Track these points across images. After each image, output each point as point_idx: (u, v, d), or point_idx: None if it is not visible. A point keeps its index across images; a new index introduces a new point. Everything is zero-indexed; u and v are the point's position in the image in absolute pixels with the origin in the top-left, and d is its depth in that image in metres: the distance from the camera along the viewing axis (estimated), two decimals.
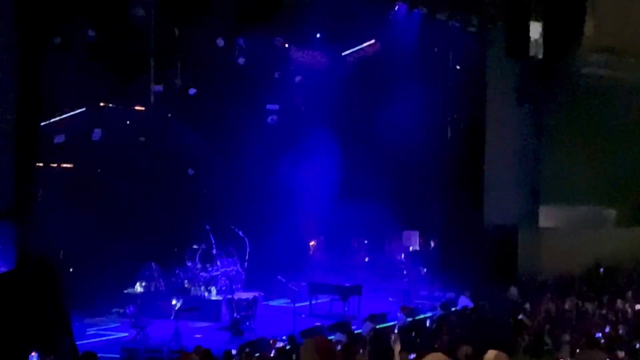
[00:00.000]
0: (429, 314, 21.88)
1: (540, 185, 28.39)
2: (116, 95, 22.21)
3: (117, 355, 17.06)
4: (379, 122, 26.52)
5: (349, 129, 26.86)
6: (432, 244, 27.96)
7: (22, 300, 15.50)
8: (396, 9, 26.10)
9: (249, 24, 23.40)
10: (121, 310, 21.20)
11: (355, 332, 18.18)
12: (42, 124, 18.76)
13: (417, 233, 27.42)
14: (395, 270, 27.12)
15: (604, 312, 19.81)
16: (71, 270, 20.60)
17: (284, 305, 23.29)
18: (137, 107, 23.35)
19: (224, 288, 22.58)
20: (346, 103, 27.17)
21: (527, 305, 19.89)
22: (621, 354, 11.45)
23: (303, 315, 21.99)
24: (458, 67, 27.50)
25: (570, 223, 29.29)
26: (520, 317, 17.72)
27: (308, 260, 27.65)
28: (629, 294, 22.07)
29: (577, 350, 12.77)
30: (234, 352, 15.10)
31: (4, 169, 16.34)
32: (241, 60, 23.96)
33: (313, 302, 23.36)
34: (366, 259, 28.83)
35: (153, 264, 22.61)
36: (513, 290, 23.37)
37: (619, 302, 20.79)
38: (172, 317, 19.30)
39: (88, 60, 19.95)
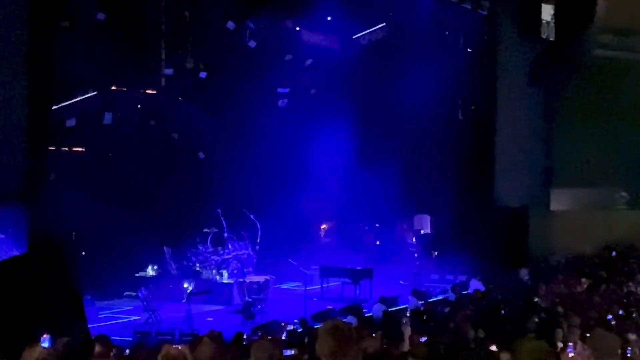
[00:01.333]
0: (440, 297, 21.91)
1: (552, 167, 28.29)
2: (127, 79, 22.21)
3: (129, 338, 17.10)
4: (389, 105, 26.47)
5: (360, 112, 26.74)
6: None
7: (34, 283, 15.54)
8: None
9: (260, 6, 23.31)
10: (133, 294, 21.26)
11: (367, 315, 18.22)
12: (53, 107, 18.74)
13: (428, 216, 27.37)
14: (406, 254, 27.10)
15: (615, 294, 19.74)
16: (83, 253, 20.71)
17: (296, 288, 23.37)
18: (147, 91, 23.35)
19: (235, 271, 22.65)
20: (357, 86, 27.10)
21: (542, 288, 19.83)
22: (633, 336, 11.40)
23: (314, 299, 22.03)
24: (469, 49, 27.37)
25: (582, 205, 29.19)
26: (536, 299, 17.68)
27: (319, 244, 27.67)
28: None
29: (588, 333, 12.71)
30: (245, 335, 15.13)
31: (15, 153, 16.33)
32: (252, 43, 23.80)
33: (324, 285, 23.41)
34: (377, 243, 28.83)
35: (165, 247, 22.68)
36: (524, 273, 23.33)
37: (631, 285, 20.73)
38: (183, 301, 19.37)
39: (98, 44, 19.91)
